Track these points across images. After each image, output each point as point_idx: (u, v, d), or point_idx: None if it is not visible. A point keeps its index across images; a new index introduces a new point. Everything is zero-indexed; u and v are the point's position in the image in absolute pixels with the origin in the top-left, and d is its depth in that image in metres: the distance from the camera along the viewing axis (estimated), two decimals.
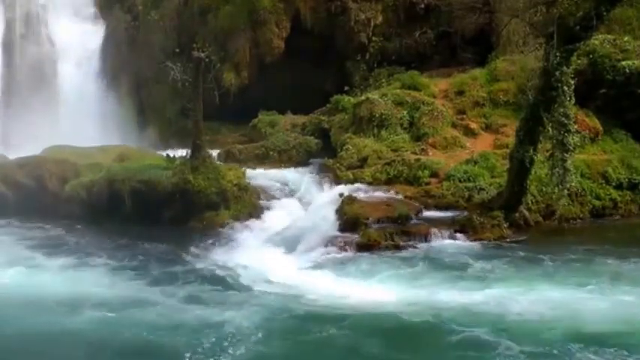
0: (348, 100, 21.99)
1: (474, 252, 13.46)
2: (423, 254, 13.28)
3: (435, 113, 19.87)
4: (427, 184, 16.86)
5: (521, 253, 13.20)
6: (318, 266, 12.64)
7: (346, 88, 24.06)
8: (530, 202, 15.45)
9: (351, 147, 18.99)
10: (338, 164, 18.28)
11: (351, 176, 17.38)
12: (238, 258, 13.01)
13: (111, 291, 11.28)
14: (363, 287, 11.26)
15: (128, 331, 9.55)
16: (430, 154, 18.51)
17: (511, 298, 10.65)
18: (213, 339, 9.14)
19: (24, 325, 9.79)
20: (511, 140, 16.09)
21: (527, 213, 15.20)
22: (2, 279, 11.84)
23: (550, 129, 14.07)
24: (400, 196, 16.12)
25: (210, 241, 14.29)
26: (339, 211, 14.95)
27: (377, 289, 11.18)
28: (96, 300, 10.74)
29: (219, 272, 12.31)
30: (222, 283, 11.71)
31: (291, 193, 17.30)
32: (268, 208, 16.33)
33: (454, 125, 19.98)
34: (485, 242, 13.99)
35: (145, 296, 10.98)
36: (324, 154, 20.65)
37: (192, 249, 13.84)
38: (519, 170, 14.71)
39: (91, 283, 11.69)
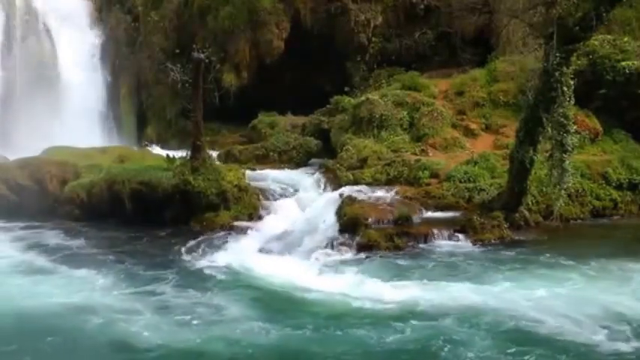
0: (348, 100, 22.01)
1: (474, 252, 13.45)
2: (424, 255, 13.25)
3: (435, 114, 19.90)
4: (427, 184, 16.85)
5: (522, 254, 13.19)
6: (318, 267, 12.58)
7: (346, 88, 24.10)
8: (530, 203, 15.45)
9: (351, 148, 18.99)
10: (338, 165, 18.27)
11: (351, 177, 17.37)
12: (239, 260, 12.93)
13: (119, 296, 11.12)
14: (366, 288, 11.22)
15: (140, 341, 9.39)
16: (430, 154, 18.52)
17: (513, 297, 10.62)
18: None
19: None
20: (511, 141, 16.10)
21: (527, 213, 15.19)
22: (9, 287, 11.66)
23: (549, 129, 14.07)
24: (400, 197, 16.12)
25: (210, 243, 14.20)
26: (339, 212, 14.93)
27: (380, 289, 11.13)
28: (103, 307, 10.57)
29: (222, 276, 12.20)
30: (226, 286, 11.62)
31: (291, 194, 17.29)
32: (268, 209, 16.31)
33: (454, 126, 20.02)
34: (485, 243, 13.97)
35: (148, 302, 10.85)
36: (324, 155, 20.70)
37: (193, 251, 13.77)
38: (519, 171, 14.71)
39: (94, 288, 11.53)
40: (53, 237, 15.13)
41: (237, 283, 11.81)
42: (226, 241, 14.40)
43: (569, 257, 12.73)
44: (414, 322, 9.72)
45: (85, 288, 11.52)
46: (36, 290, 11.37)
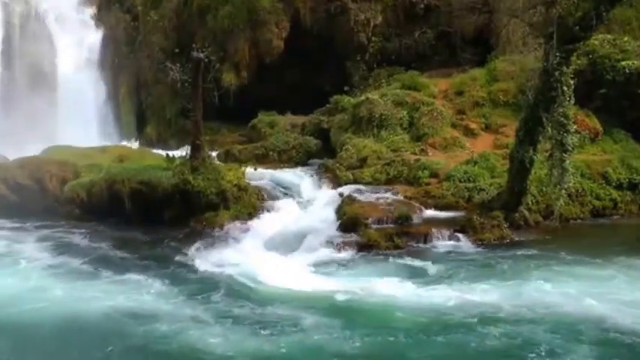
0: (347, 100, 22.01)
1: (474, 252, 13.46)
2: (423, 255, 13.25)
3: (435, 113, 19.90)
4: (427, 184, 16.86)
5: (522, 253, 13.17)
6: (319, 267, 12.54)
7: (346, 88, 24.11)
8: (530, 203, 15.44)
9: (350, 147, 18.99)
10: (338, 164, 18.28)
11: (350, 176, 17.38)
12: (239, 260, 12.89)
13: (172, 303, 10.75)
14: (366, 288, 11.16)
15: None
16: (430, 154, 18.52)
17: (513, 297, 10.60)
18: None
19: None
20: (511, 140, 16.10)
21: (527, 213, 15.19)
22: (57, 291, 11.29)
23: (549, 129, 14.06)
24: (400, 197, 16.10)
25: (210, 243, 14.18)
26: (339, 212, 14.94)
27: (380, 289, 11.09)
28: (163, 314, 10.20)
29: (221, 276, 12.08)
30: (226, 287, 11.48)
31: (290, 194, 17.28)
32: (268, 209, 16.29)
33: (454, 125, 20.02)
34: (485, 242, 13.96)
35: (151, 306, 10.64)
36: (323, 155, 20.69)
37: (193, 251, 13.72)
38: (519, 170, 14.70)
39: (145, 293, 11.20)
40: (73, 238, 14.99)
41: (235, 285, 11.58)
42: (225, 241, 14.38)
43: (591, 255, 12.66)
44: (494, 325, 9.40)
45: (134, 293, 11.14)
46: (86, 295, 11.02)
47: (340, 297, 10.82)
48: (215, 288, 11.41)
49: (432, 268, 12.30)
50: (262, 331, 9.50)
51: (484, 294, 10.78)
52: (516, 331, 9.26)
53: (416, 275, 11.92)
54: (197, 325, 9.74)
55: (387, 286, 11.21)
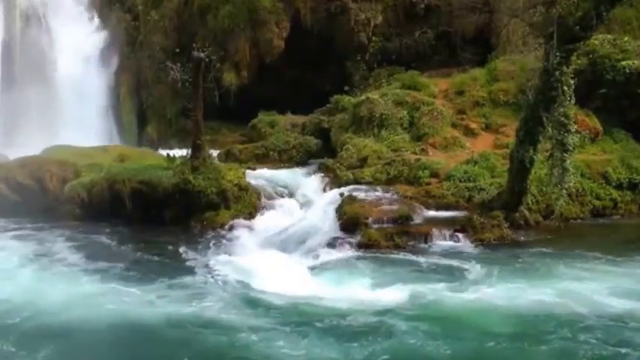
0: (348, 100, 22.04)
1: (474, 252, 13.43)
2: (424, 254, 13.20)
3: (435, 113, 19.92)
4: (427, 184, 16.85)
5: (522, 253, 13.14)
6: (319, 267, 12.51)
7: (346, 87, 24.14)
8: (530, 202, 15.43)
9: (351, 147, 19.01)
10: (338, 164, 18.29)
11: (351, 176, 17.38)
12: (239, 260, 12.83)
13: (234, 312, 10.24)
14: (367, 288, 11.12)
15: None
16: (430, 154, 18.53)
17: (513, 297, 10.55)
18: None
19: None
20: (511, 140, 16.10)
21: (527, 213, 15.18)
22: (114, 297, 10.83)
23: (550, 129, 14.05)
24: (400, 196, 16.11)
25: (210, 242, 14.19)
26: (339, 211, 14.93)
27: (381, 290, 11.03)
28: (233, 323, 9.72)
29: (222, 276, 11.94)
30: (227, 288, 11.37)
31: (291, 194, 17.30)
32: (268, 209, 16.33)
33: (454, 125, 20.04)
34: (485, 242, 13.92)
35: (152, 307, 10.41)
36: (324, 154, 20.70)
37: (193, 250, 13.69)
38: (519, 170, 14.71)
39: (152, 296, 10.84)
40: (101, 239, 14.73)
41: (236, 285, 11.39)
42: (226, 241, 14.37)
43: (609, 254, 12.53)
44: (586, 331, 8.94)
45: (194, 300, 10.68)
46: (143, 300, 10.50)
47: (383, 302, 10.37)
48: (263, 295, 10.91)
49: (462, 269, 12.04)
50: (334, 339, 8.97)
51: (541, 294, 10.40)
52: (615, 338, 8.78)
53: (450, 277, 11.56)
54: (270, 335, 9.21)
55: (423, 288, 10.86)
